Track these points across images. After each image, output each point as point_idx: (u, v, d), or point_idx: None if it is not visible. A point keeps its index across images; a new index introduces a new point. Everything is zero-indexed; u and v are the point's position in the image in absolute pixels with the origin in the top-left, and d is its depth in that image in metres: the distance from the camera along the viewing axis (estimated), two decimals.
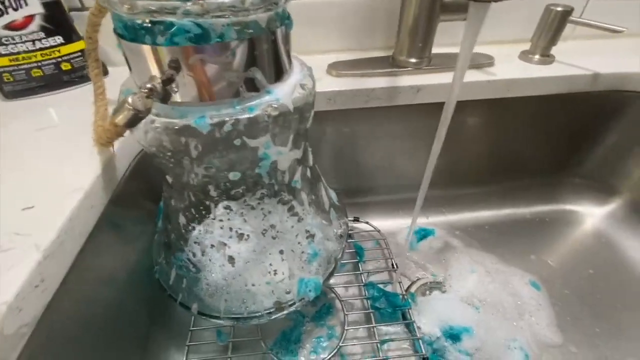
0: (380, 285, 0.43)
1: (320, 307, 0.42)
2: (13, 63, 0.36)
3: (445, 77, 0.42)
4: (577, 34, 0.50)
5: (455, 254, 0.49)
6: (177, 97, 0.20)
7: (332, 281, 0.44)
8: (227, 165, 0.23)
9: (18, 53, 0.36)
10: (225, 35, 0.18)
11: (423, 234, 0.52)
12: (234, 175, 0.23)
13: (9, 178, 0.27)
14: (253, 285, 0.28)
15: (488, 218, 0.54)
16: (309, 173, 0.30)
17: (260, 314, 0.29)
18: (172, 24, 0.17)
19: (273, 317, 0.30)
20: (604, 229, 0.51)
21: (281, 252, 0.29)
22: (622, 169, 0.49)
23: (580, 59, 0.44)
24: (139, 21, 0.17)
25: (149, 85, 0.18)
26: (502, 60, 0.45)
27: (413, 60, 0.43)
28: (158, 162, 0.24)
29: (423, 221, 0.54)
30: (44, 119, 0.35)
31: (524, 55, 0.46)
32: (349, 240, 0.49)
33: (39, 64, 0.37)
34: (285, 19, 0.21)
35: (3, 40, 0.35)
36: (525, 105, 0.45)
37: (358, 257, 0.46)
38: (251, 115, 0.20)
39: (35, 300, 0.21)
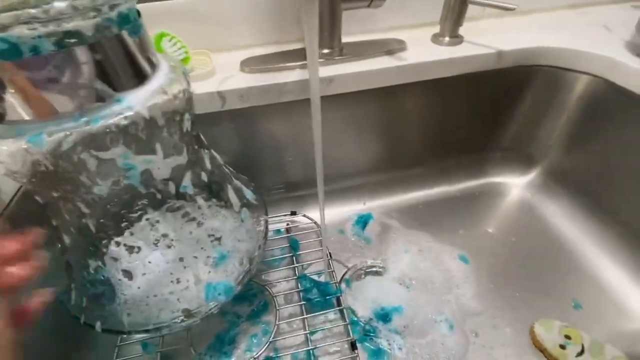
0: (314, 276, 0.43)
1: (257, 304, 0.43)
2: None
3: (358, 66, 0.42)
4: (488, 13, 0.52)
5: (392, 235, 0.51)
6: (14, 116, 0.19)
7: (267, 278, 0.44)
8: (88, 181, 0.22)
9: None
10: (41, 48, 0.17)
11: (364, 220, 0.53)
12: (99, 190, 0.22)
13: None
14: (155, 296, 0.28)
15: (422, 198, 0.56)
16: (204, 177, 0.29)
17: (167, 323, 0.28)
18: None
19: (184, 324, 0.29)
20: (526, 198, 0.54)
21: (181, 259, 0.28)
22: (537, 139, 0.52)
23: (487, 38, 0.46)
24: None
25: None
26: (415, 44, 0.46)
27: (324, 51, 0.42)
28: (23, 184, 0.23)
29: (359, 207, 0.55)
30: None
31: (435, 38, 0.47)
32: (286, 235, 0.50)
33: None
34: (126, 23, 0.20)
35: None
36: (447, 87, 0.47)
37: (293, 251, 0.47)
38: (92, 127, 0.19)
39: None
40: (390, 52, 0.44)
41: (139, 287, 0.27)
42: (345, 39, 0.44)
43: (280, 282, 0.44)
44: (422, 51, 0.45)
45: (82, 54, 0.18)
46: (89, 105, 0.20)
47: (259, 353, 0.37)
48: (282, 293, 0.42)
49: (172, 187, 0.26)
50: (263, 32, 0.46)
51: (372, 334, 0.39)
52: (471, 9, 0.43)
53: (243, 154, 0.48)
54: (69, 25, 0.17)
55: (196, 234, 0.29)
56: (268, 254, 0.46)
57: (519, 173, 0.56)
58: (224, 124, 0.43)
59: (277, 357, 0.37)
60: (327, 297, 0.41)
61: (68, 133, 0.19)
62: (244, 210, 0.34)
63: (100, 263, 0.26)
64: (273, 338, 0.37)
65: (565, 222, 0.50)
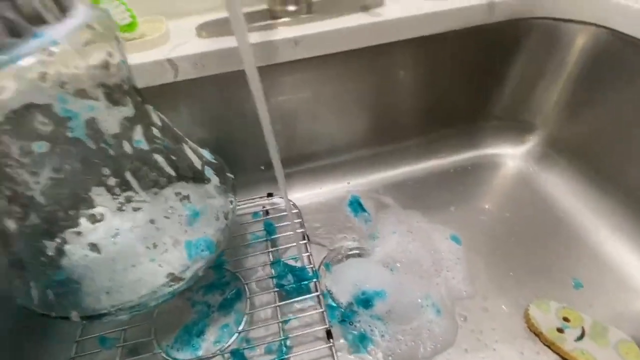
0: (291, 261, 0.40)
1: (229, 294, 0.39)
2: None
3: (327, 25, 0.37)
4: None
5: (379, 215, 0.47)
6: None
7: (240, 264, 0.41)
8: (25, 135, 0.19)
9: None
10: None
11: (348, 200, 0.49)
12: (39, 147, 0.19)
13: None
14: (133, 266, 0.25)
15: (410, 174, 0.52)
16: (157, 133, 0.26)
17: (157, 294, 0.26)
18: None
19: (171, 290, 0.27)
20: (523, 169, 0.50)
21: (152, 221, 0.25)
22: (534, 103, 0.47)
23: None
24: None
25: None
26: None
27: (289, 8, 0.38)
28: None
29: (342, 186, 0.51)
30: None
31: None
32: (261, 219, 0.46)
33: None
34: None
35: None
36: (433, 49, 0.42)
37: (268, 235, 0.43)
38: (24, 66, 0.17)
39: None
40: (365, 8, 0.39)
41: (112, 260, 0.24)
42: None
43: (254, 268, 0.41)
44: (402, 5, 0.40)
45: None
46: (5, 41, 0.16)
47: (228, 344, 0.34)
48: (254, 280, 0.39)
49: (125, 144, 0.22)
50: None
51: (351, 321, 0.36)
52: None
53: (212, 131, 0.44)
54: None
55: (162, 194, 0.26)
56: (241, 239, 0.43)
57: (514, 143, 0.51)
58: (185, 98, 0.39)
59: (248, 347, 0.35)
60: (303, 283, 0.38)
61: None
62: (206, 168, 0.31)
63: (60, 242, 0.23)
64: (243, 328, 0.34)
65: (566, 194, 0.46)
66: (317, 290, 0.37)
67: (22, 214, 0.23)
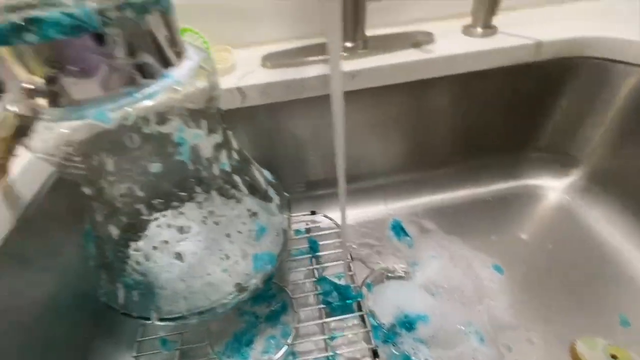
0: (335, 279, 0.42)
1: (275, 306, 0.41)
2: None
3: (382, 60, 0.40)
4: (524, 2, 0.49)
5: (420, 239, 0.48)
6: (69, 97, 0.19)
7: (286, 278, 0.43)
8: (146, 158, 0.22)
9: None
10: (100, 23, 0.17)
11: (391, 223, 0.50)
12: (156, 168, 0.22)
13: None
14: (209, 274, 0.28)
15: (451, 200, 0.53)
16: (236, 156, 0.29)
17: (221, 302, 0.28)
18: (40, 20, 0.16)
19: (235, 301, 0.29)
20: (565, 202, 0.50)
21: (228, 235, 0.28)
22: (579, 138, 0.48)
23: (523, 29, 0.43)
24: (6, 22, 0.16)
25: (25, 85, 0.17)
26: (444, 36, 0.43)
27: (347, 44, 0.41)
28: (71, 175, 0.23)
29: (382, 208, 0.53)
30: None
31: (467, 30, 0.44)
32: (306, 236, 0.48)
33: None
34: (162, 3, 0.20)
35: None
36: (479, 82, 0.44)
37: (313, 252, 0.45)
38: (154, 101, 0.20)
39: None
40: (417, 45, 0.42)
41: (192, 268, 0.27)
42: (369, 32, 0.42)
43: (299, 283, 0.43)
44: (452, 43, 0.42)
45: (128, 31, 0.18)
46: (141, 81, 0.19)
47: (277, 356, 0.35)
48: (301, 295, 0.41)
49: (214, 166, 0.26)
50: (284, 26, 0.46)
51: (394, 342, 0.37)
52: None
53: (262, 151, 0.47)
54: (118, 2, 0.17)
55: (237, 210, 0.29)
56: (286, 254, 0.45)
57: (557, 175, 0.51)
58: (242, 121, 0.43)
59: None
60: (347, 301, 0.39)
61: (129, 109, 0.19)
62: (269, 187, 0.34)
63: (149, 249, 0.26)
64: (291, 341, 0.36)
65: (611, 229, 0.46)
66: (361, 310, 0.39)
67: (124, 223, 0.26)
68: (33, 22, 0.16)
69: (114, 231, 0.26)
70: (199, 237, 0.27)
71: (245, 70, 0.41)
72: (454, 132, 0.49)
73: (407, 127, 0.47)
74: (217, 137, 0.26)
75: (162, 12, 0.20)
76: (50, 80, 0.17)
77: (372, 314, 0.40)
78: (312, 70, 0.40)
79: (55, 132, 0.19)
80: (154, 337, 0.37)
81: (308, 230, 0.50)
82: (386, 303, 0.41)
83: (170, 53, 0.21)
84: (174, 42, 0.22)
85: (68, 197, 0.33)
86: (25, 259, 0.29)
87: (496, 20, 0.43)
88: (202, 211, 0.27)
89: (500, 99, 0.46)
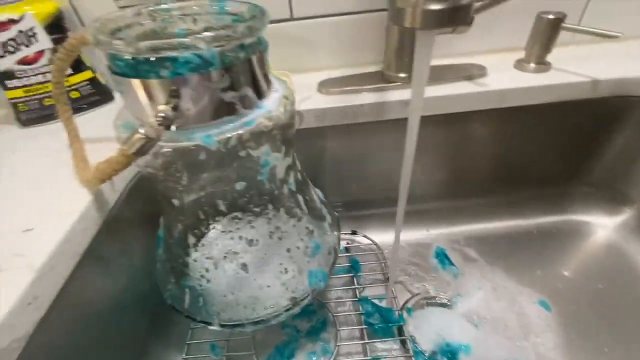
0: (375, 300, 0.42)
1: (315, 322, 0.42)
2: (27, 94, 0.40)
3: (434, 91, 0.42)
4: (579, 39, 0.49)
5: (462, 267, 0.48)
6: (180, 122, 0.21)
7: (327, 295, 0.44)
8: (234, 177, 0.25)
9: (31, 85, 0.40)
10: (220, 62, 0.20)
11: (444, 254, 0.49)
12: (240, 186, 0.25)
13: (15, 200, 0.30)
14: (268, 286, 0.30)
15: (493, 230, 0.52)
16: (299, 177, 0.31)
17: (278, 313, 0.30)
18: (175, 59, 0.19)
19: (288, 314, 0.31)
20: (615, 240, 0.48)
21: (288, 250, 0.30)
22: (633, 176, 0.47)
23: (578, 65, 0.43)
24: (144, 58, 0.19)
25: (161, 115, 0.19)
26: (496, 70, 0.44)
27: (402, 75, 0.43)
28: (164, 187, 0.26)
29: (422, 234, 0.53)
30: (52, 144, 0.38)
31: (519, 64, 0.45)
32: (346, 254, 0.49)
33: (50, 94, 0.41)
34: (262, 43, 0.23)
35: (17, 74, 0.39)
36: (528, 115, 0.44)
37: (354, 271, 0.46)
38: (251, 128, 0.22)
39: (27, 317, 0.23)
40: (469, 78, 0.43)
41: (254, 279, 0.29)
42: None
43: (340, 301, 0.44)
44: (504, 77, 0.43)
45: (236, 68, 0.21)
46: (241, 110, 0.22)
47: None
48: (342, 314, 0.42)
49: (284, 186, 0.28)
50: (340, 55, 0.48)
51: None
52: (562, 34, 0.41)
53: (306, 170, 0.49)
54: (238, 44, 0.20)
55: (297, 228, 0.31)
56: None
57: (607, 212, 0.50)
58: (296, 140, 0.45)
59: None
60: (389, 324, 0.40)
61: (231, 134, 0.22)
62: (322, 207, 0.35)
63: (221, 258, 0.29)
64: (334, 358, 0.37)
65: None
66: (402, 334, 0.39)
67: (201, 232, 0.29)
68: (168, 61, 0.19)
69: (191, 239, 0.29)
70: (264, 250, 0.29)
71: (303, 95, 0.44)
72: (499, 162, 0.49)
73: (451, 154, 0.48)
74: (289, 160, 0.29)
75: (261, 51, 0.23)
76: (174, 109, 0.20)
77: (413, 339, 0.40)
78: (366, 97, 0.42)
79: (166, 151, 0.22)
80: (202, 341, 0.39)
81: (347, 249, 0.51)
82: (427, 329, 0.41)
83: (263, 85, 0.24)
84: (266, 76, 0.24)
85: (141, 205, 0.37)
86: (104, 258, 0.32)
87: (550, 56, 0.43)
88: (269, 226, 0.29)
89: (551, 132, 0.46)
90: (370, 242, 0.51)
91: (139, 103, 0.21)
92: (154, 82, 0.20)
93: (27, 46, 0.38)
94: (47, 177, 0.32)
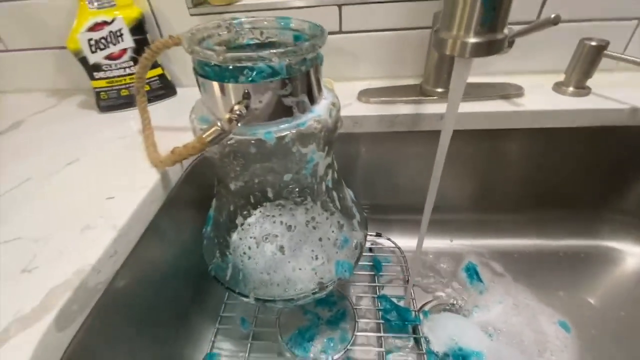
0: (394, 299, 0.45)
1: (336, 311, 0.46)
2: (109, 85, 0.47)
3: (470, 107, 0.44)
4: (622, 66, 0.49)
5: (483, 280, 0.49)
6: (247, 119, 0.26)
7: (348, 289, 0.47)
8: (283, 169, 0.29)
9: (113, 77, 0.46)
10: (285, 72, 0.24)
11: (475, 270, 0.50)
12: (287, 177, 0.29)
13: (100, 174, 0.36)
14: (300, 269, 0.33)
15: (518, 247, 0.53)
16: (336, 175, 0.35)
17: (306, 294, 0.34)
18: (252, 68, 0.23)
19: (315, 296, 0.34)
20: None
21: (320, 239, 0.34)
22: None
23: (619, 92, 0.43)
24: (226, 66, 0.23)
25: (237, 112, 0.24)
26: (534, 91, 0.46)
27: (439, 90, 0.45)
28: (223, 172, 0.31)
29: (445, 243, 0.55)
30: (125, 129, 0.44)
31: (558, 87, 0.46)
32: (369, 254, 0.52)
33: (127, 85, 0.47)
34: (319, 57, 0.27)
35: (103, 67, 0.45)
36: (564, 136, 0.45)
37: (375, 270, 0.49)
38: (303, 129, 0.26)
39: (109, 266, 0.28)
40: (506, 97, 0.45)
41: (289, 261, 0.33)
42: None
43: (360, 296, 0.47)
44: (540, 99, 0.44)
45: (297, 77, 0.25)
46: (297, 113, 0.26)
47: (336, 356, 0.39)
48: (361, 307, 0.45)
49: (323, 182, 0.32)
50: (383, 67, 0.52)
51: None
52: (605, 61, 0.42)
53: (342, 170, 0.53)
54: (302, 57, 0.24)
55: (330, 220, 0.34)
56: None
57: (638, 241, 0.49)
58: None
59: None
60: (405, 323, 0.42)
61: (286, 132, 0.26)
62: (352, 205, 0.38)
63: (262, 239, 0.33)
64: (351, 346, 0.40)
65: None
66: (418, 333, 0.41)
67: (248, 215, 0.33)
68: (247, 69, 0.23)
69: (239, 219, 0.33)
70: (299, 236, 0.33)
71: (344, 101, 0.47)
72: (530, 180, 0.50)
73: (484, 168, 0.50)
74: (329, 160, 0.32)
75: (317, 64, 0.27)
76: (246, 108, 0.24)
77: (427, 340, 0.42)
78: (402, 108, 0.45)
79: (233, 142, 0.26)
80: (233, 314, 0.44)
81: (371, 250, 0.54)
82: (441, 333, 0.43)
83: (316, 93, 0.28)
84: (319, 85, 0.28)
85: (194, 189, 0.42)
86: (162, 231, 0.37)
87: (591, 81, 0.44)
88: (306, 216, 0.33)
89: (585, 156, 0.46)
90: (394, 245, 0.53)
91: (216, 101, 0.26)
92: (230, 85, 0.24)
93: (114, 44, 0.45)
94: (123, 157, 0.38)
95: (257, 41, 0.31)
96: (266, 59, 0.23)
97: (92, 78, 0.46)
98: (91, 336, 0.26)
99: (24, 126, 0.47)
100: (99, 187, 0.34)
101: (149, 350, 0.35)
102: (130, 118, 0.47)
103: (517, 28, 0.39)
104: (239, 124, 0.25)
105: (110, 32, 0.44)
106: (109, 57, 0.45)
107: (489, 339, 0.42)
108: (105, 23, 0.44)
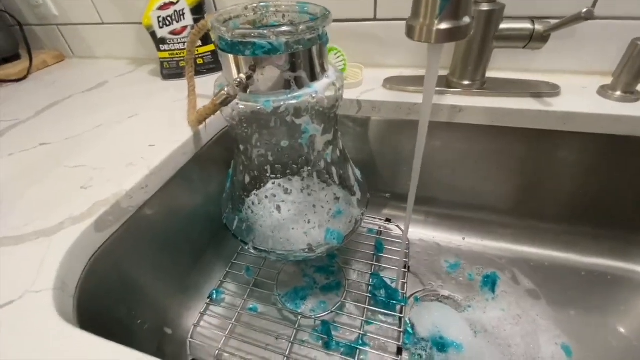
0: (387, 280, 0.47)
1: (332, 281, 0.49)
2: (171, 56, 0.56)
3: (492, 102, 0.43)
4: None
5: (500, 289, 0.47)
6: (253, 89, 0.31)
7: (347, 263, 0.51)
8: (281, 136, 0.33)
9: (174, 50, 0.55)
10: (284, 49, 0.28)
11: (494, 282, 0.48)
12: (284, 143, 0.33)
13: (150, 127, 0.44)
14: (293, 229, 0.38)
15: (538, 257, 0.50)
16: (338, 152, 0.38)
17: (296, 253, 0.38)
18: (254, 43, 0.28)
19: (304, 255, 0.39)
20: None
21: (314, 205, 0.38)
22: None
23: None
24: (236, 41, 0.28)
25: (238, 79, 0.29)
26: (573, 91, 0.43)
27: (465, 82, 0.45)
28: (235, 133, 0.37)
29: (458, 239, 0.54)
30: (179, 94, 0.52)
31: (603, 90, 0.42)
32: (375, 236, 0.55)
33: (185, 58, 0.56)
34: (322, 38, 0.30)
35: (168, 41, 0.54)
36: (609, 146, 0.41)
37: (376, 251, 0.51)
38: (297, 102, 0.30)
39: (140, 195, 0.35)
40: (536, 95, 0.42)
41: (283, 220, 0.38)
42: (493, 74, 0.45)
43: (357, 271, 0.49)
44: (577, 100, 0.41)
45: (297, 54, 0.29)
46: (295, 87, 0.30)
47: (320, 316, 0.44)
48: (354, 280, 0.48)
49: (320, 155, 0.36)
50: (410, 55, 0.52)
51: (421, 354, 0.41)
52: None
53: (363, 155, 0.55)
54: (301, 37, 0.28)
55: (326, 191, 0.38)
56: (355, 245, 0.52)
57: None
58: (357, 126, 0.51)
59: (332, 326, 0.43)
60: (392, 301, 0.44)
61: (282, 103, 0.30)
62: (356, 184, 0.41)
63: (263, 197, 0.38)
64: (336, 310, 0.44)
65: None
66: (401, 313, 0.43)
67: (254, 175, 0.38)
68: (250, 44, 0.28)
69: (246, 179, 0.38)
70: (295, 200, 0.37)
71: (368, 86, 0.50)
72: (565, 191, 0.46)
73: (520, 170, 0.47)
74: (329, 136, 0.36)
75: (321, 44, 0.30)
76: (248, 77, 0.29)
77: (411, 323, 0.44)
78: (421, 97, 0.45)
79: (241, 107, 0.31)
80: (242, 263, 0.50)
81: (379, 233, 0.56)
82: (427, 320, 0.44)
83: (317, 71, 0.31)
84: (322, 64, 0.31)
85: (221, 151, 0.48)
86: (190, 180, 0.45)
87: None
88: (302, 183, 0.37)
89: (628, 169, 0.42)
90: (401, 232, 0.55)
91: (230, 70, 0.31)
92: (240, 58, 0.29)
93: (177, 22, 0.53)
94: (171, 116, 0.46)
95: (280, 22, 0.35)
96: (267, 37, 0.27)
97: (159, 50, 0.56)
98: (120, 244, 0.34)
99: (107, 86, 0.59)
100: (147, 136, 0.42)
101: (168, 270, 0.43)
102: (185, 86, 0.55)
103: (553, 22, 0.37)
104: (243, 91, 0.29)
105: (175, 11, 0.52)
106: (173, 33, 0.54)
107: (474, 335, 0.42)
108: (172, 3, 0.52)
